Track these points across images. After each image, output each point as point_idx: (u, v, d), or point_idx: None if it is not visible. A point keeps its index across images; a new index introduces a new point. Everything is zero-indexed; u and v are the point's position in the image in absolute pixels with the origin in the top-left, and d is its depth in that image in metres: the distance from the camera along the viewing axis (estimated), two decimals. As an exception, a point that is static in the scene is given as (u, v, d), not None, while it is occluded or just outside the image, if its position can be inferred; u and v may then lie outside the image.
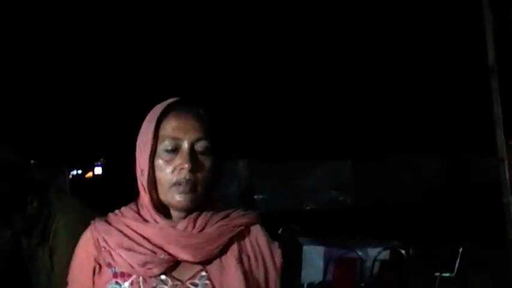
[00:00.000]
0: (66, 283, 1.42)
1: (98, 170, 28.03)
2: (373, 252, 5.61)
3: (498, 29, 3.81)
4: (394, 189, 16.12)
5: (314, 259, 5.75)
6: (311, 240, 6.09)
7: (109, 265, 1.34)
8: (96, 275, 1.35)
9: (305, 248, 5.85)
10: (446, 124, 20.14)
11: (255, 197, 16.02)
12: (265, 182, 16.27)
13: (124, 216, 1.39)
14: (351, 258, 5.62)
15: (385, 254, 5.63)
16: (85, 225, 1.44)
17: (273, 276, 1.42)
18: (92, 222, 1.40)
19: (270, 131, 20.91)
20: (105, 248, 1.35)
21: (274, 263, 1.43)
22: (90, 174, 27.93)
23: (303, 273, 5.77)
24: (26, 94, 20.45)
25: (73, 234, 1.95)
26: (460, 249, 5.69)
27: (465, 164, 16.62)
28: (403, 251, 5.65)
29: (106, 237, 1.35)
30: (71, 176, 21.73)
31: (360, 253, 5.58)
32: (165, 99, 1.41)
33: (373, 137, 20.22)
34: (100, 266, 1.35)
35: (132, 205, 1.42)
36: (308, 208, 16.37)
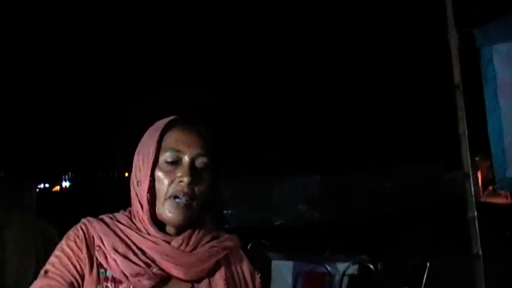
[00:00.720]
0: (45, 271, 1.33)
1: (66, 184, 27.72)
2: (341, 266, 5.62)
3: (463, 48, 3.89)
4: (361, 203, 16.19)
5: (283, 274, 5.74)
6: (280, 255, 6.09)
7: (100, 265, 1.32)
8: (85, 271, 1.32)
9: (274, 262, 5.84)
10: (414, 138, 20.41)
11: (224, 212, 15.92)
12: (234, 197, 16.18)
13: (119, 222, 1.38)
14: (320, 273, 5.62)
15: (353, 269, 5.64)
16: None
17: None
18: (85, 219, 1.38)
19: (238, 145, 20.91)
20: (99, 247, 1.33)
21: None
22: (57, 187, 27.55)
23: (272, 288, 5.75)
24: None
25: (20, 248, 1.95)
26: (428, 264, 5.74)
27: (433, 178, 16.82)
28: (371, 266, 5.68)
29: (103, 237, 1.34)
30: (38, 190, 21.36)
31: (328, 268, 5.58)
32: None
33: (341, 151, 20.38)
34: (90, 264, 1.32)
35: (126, 212, 1.42)
36: (277, 223, 16.33)
